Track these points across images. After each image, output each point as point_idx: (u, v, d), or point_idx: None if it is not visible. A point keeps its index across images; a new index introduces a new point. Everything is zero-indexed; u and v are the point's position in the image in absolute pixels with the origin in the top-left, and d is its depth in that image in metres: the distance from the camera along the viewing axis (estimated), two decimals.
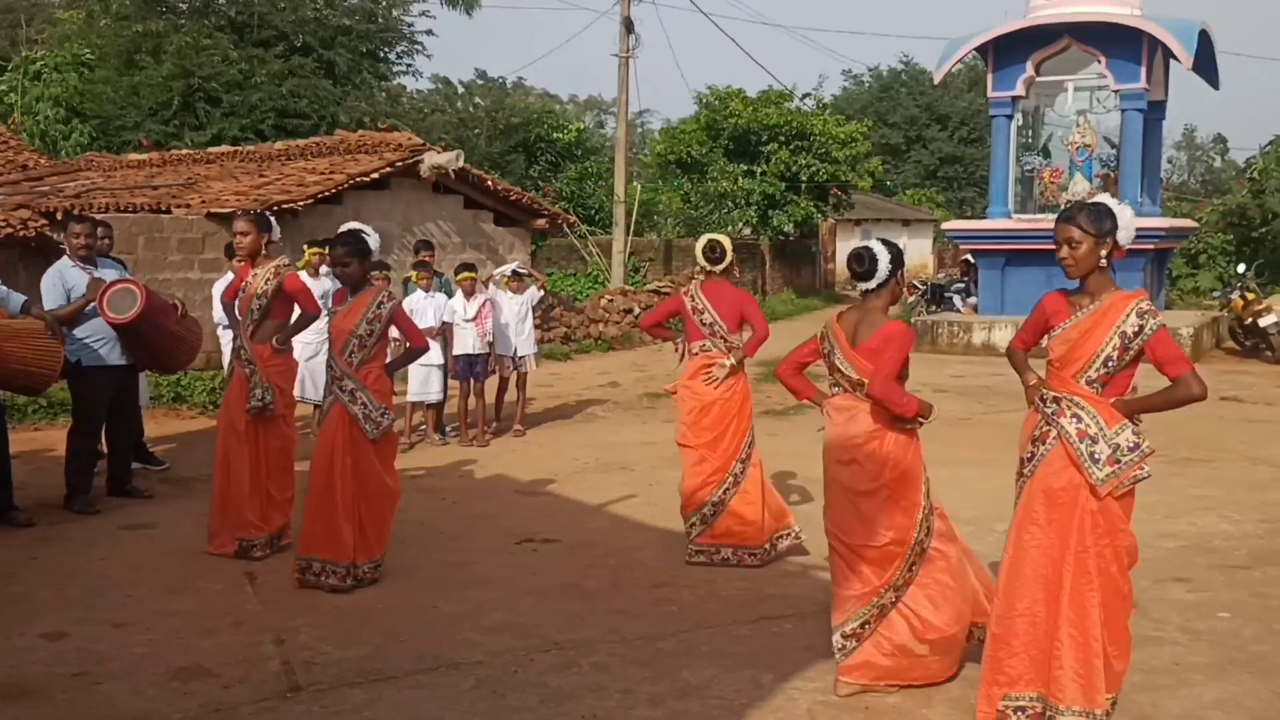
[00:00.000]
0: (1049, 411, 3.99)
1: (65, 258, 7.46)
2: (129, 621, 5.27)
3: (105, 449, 7.78)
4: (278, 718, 4.23)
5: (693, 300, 6.36)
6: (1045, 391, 4.04)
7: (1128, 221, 4.01)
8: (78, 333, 7.21)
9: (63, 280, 7.27)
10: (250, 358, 6.41)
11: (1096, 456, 3.86)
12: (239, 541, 6.33)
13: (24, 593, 5.70)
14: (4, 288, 6.96)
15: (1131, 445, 3.87)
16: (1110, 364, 3.90)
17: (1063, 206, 18.29)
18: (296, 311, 6.62)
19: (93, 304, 7.12)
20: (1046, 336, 4.10)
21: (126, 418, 7.77)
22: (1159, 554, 6.09)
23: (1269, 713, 4.25)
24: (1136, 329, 3.86)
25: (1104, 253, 3.93)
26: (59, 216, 11.34)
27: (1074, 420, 3.92)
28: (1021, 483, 4.08)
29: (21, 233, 10.59)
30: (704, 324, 6.30)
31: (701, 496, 6.22)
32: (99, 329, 7.23)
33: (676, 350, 6.64)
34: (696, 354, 6.34)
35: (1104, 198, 4.13)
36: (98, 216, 9.22)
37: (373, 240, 6.00)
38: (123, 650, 4.91)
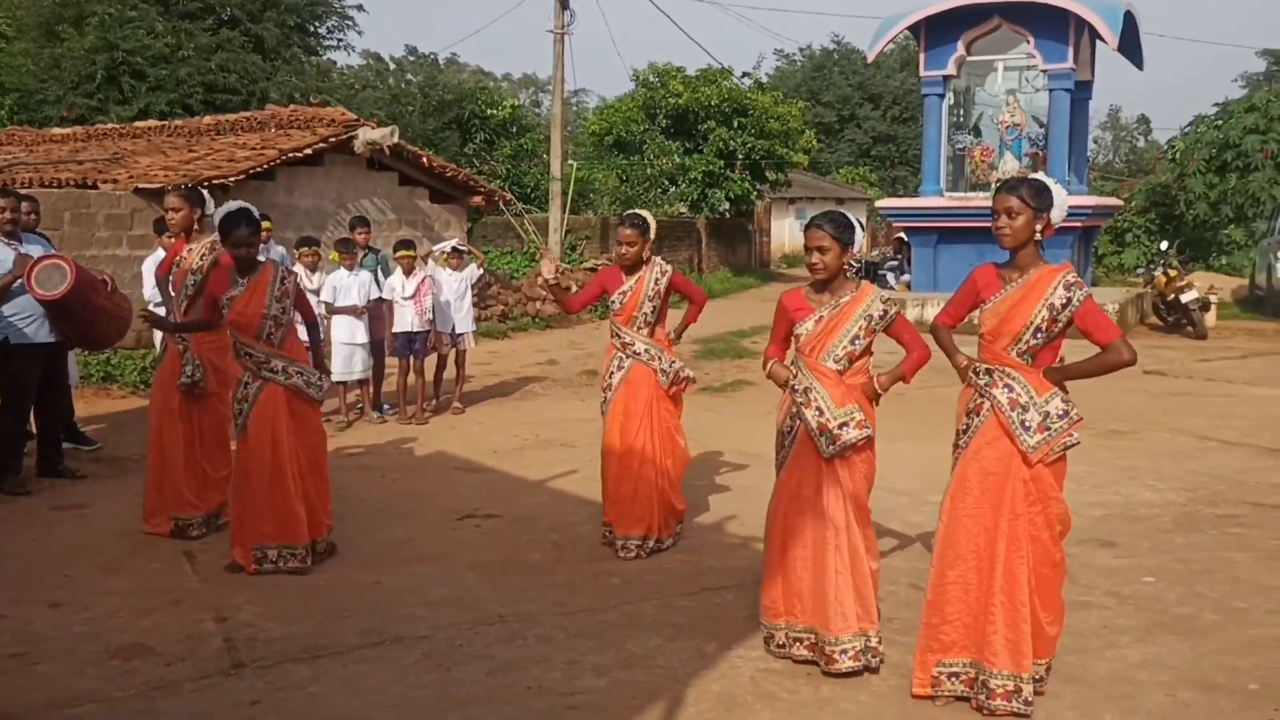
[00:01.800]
0: (982, 384, 4.09)
1: None
2: (65, 601, 5.20)
3: (34, 429, 7.62)
4: (221, 694, 4.21)
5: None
6: (978, 365, 4.14)
7: (1061, 200, 4.14)
8: (5, 310, 7.04)
9: None
10: (183, 335, 6.33)
11: (1027, 424, 3.98)
12: (175, 520, 6.27)
13: None
14: None
15: (1061, 413, 3.99)
16: (1040, 335, 4.01)
17: (993, 185, 18.59)
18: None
19: (20, 280, 6.96)
20: (977, 310, 4.20)
21: (55, 397, 7.62)
22: (1087, 522, 6.27)
23: (1193, 672, 4.42)
24: (1064, 301, 3.98)
25: (1039, 227, 4.04)
26: None
27: (1006, 390, 4.02)
28: (957, 454, 4.19)
29: None
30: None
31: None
32: (27, 306, 7.07)
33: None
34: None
35: (1039, 176, 4.24)
36: (22, 192, 8.98)
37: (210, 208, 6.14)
38: (60, 630, 4.85)
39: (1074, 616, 4.64)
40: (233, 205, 5.88)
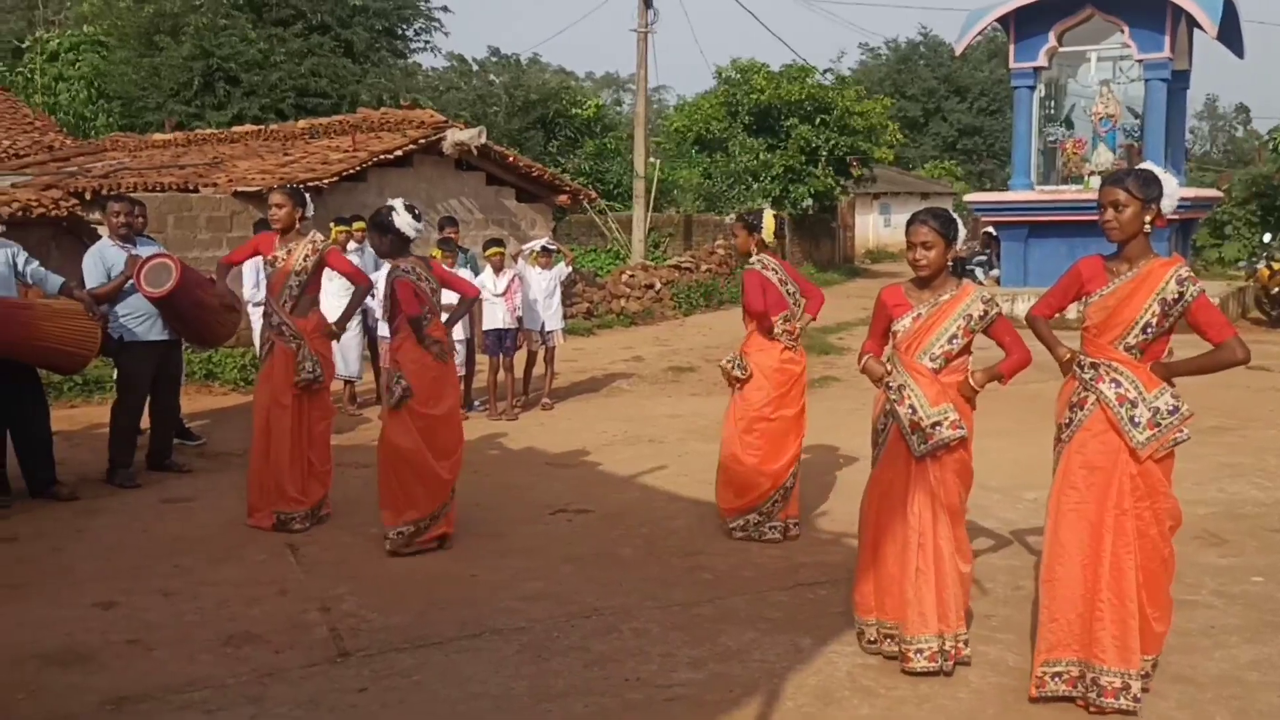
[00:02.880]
0: (1087, 377, 4.03)
1: (105, 237, 7.55)
2: (177, 590, 5.39)
3: (147, 424, 7.89)
4: (329, 681, 4.33)
5: (776, 272, 6.28)
6: (1083, 358, 4.07)
7: (1173, 190, 4.03)
8: (119, 309, 7.31)
9: (103, 259, 7.38)
10: (295, 332, 6.48)
11: (1136, 420, 3.91)
12: (277, 515, 6.42)
13: (72, 564, 5.82)
14: (43, 269, 7.05)
15: (1171, 408, 3.91)
16: (1149, 330, 3.93)
17: (1086, 177, 18.20)
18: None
19: (131, 280, 7.22)
20: (1080, 303, 4.12)
21: (168, 394, 7.87)
22: (1191, 519, 6.08)
23: None
24: (1176, 295, 3.89)
25: (1148, 218, 3.95)
26: (88, 197, 11.46)
27: (1113, 385, 3.95)
28: (1059, 449, 4.12)
29: (53, 212, 10.70)
30: (789, 294, 6.29)
31: (783, 473, 6.21)
32: (139, 305, 7.33)
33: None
34: (781, 327, 6.24)
35: (1150, 165, 4.14)
36: (129, 195, 9.31)
37: (399, 219, 5.99)
38: (173, 618, 5.03)
39: (1180, 615, 4.55)
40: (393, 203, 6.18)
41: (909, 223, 4.44)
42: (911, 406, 4.32)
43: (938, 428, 4.29)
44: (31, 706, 4.13)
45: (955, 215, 4.45)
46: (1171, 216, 4.18)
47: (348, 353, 9.85)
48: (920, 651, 4.27)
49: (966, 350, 4.44)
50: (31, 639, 4.74)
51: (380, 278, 9.60)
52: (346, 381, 10.05)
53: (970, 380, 4.39)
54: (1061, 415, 4.15)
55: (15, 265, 6.87)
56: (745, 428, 6.14)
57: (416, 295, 5.93)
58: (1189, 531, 5.83)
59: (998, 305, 4.46)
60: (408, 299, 5.93)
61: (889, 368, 4.47)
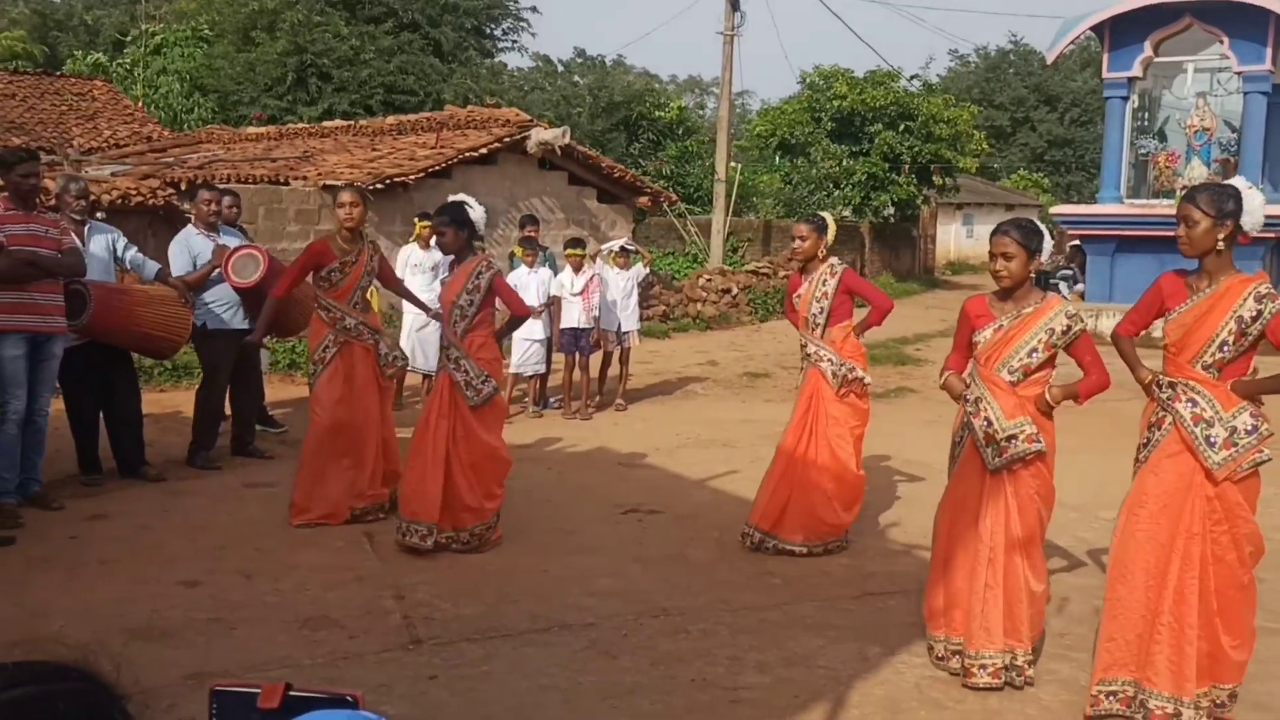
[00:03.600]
0: (1164, 397, 3.96)
1: (190, 225, 7.78)
2: (258, 573, 5.54)
3: (229, 410, 8.11)
4: (401, 667, 4.43)
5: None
6: (1161, 378, 4.01)
7: (1256, 206, 3.93)
8: (205, 297, 7.53)
9: (189, 247, 7.60)
10: (372, 328, 6.58)
11: (1212, 440, 3.83)
12: (353, 510, 6.47)
13: (159, 542, 6.02)
14: (141, 255, 7.28)
15: (1249, 428, 3.82)
16: (1226, 349, 3.86)
17: (1178, 192, 17.73)
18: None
19: (218, 269, 7.43)
20: (1162, 320, 4.06)
21: (249, 380, 8.09)
22: (1275, 546, 5.97)
23: None
24: (1255, 313, 3.81)
25: (1221, 235, 3.86)
26: (184, 187, 11.80)
27: (1189, 405, 3.88)
28: (1136, 469, 4.07)
29: (150, 201, 11.03)
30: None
31: None
32: (224, 294, 7.54)
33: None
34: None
35: (1238, 181, 4.06)
36: (224, 187, 9.58)
37: (474, 212, 6.09)
38: (254, 599, 5.17)
39: (1260, 643, 4.44)
40: (454, 197, 6.28)
41: (992, 233, 4.41)
42: (987, 419, 4.28)
43: (1013, 441, 4.24)
44: (116, 678, 4.27)
45: (1042, 227, 4.40)
46: (1264, 234, 4.09)
47: (428, 348, 10.00)
48: (984, 667, 4.24)
49: (1048, 364, 4.39)
50: (119, 613, 4.91)
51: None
52: (425, 376, 10.21)
53: (1047, 394, 4.33)
54: (1141, 434, 4.09)
55: (115, 250, 7.11)
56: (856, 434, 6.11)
57: None
58: (1274, 558, 5.68)
59: (1082, 321, 4.39)
60: (516, 299, 6.33)
61: (967, 382, 4.43)
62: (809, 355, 6.06)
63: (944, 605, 4.44)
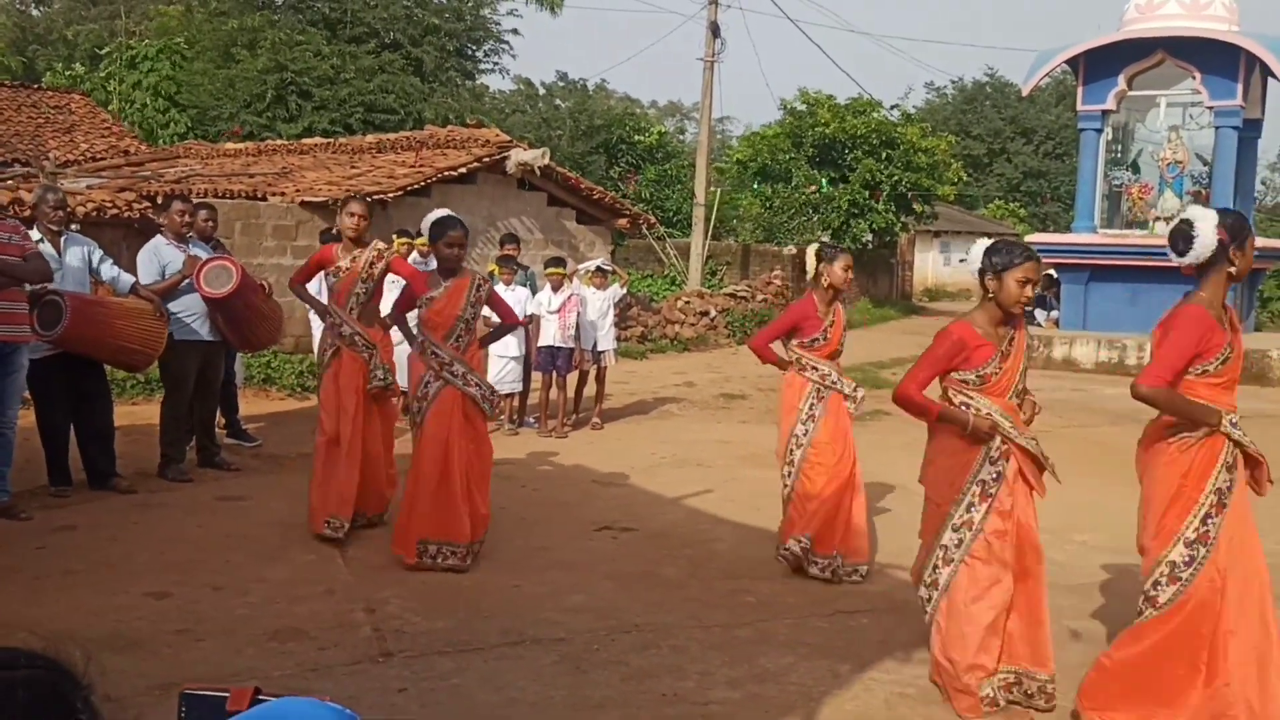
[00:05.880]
0: (1240, 435, 3.88)
1: (159, 235, 7.73)
2: (227, 585, 5.49)
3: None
4: (371, 680, 4.40)
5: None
6: (1231, 415, 3.88)
7: (1204, 244, 3.88)
8: (172, 307, 7.44)
9: (158, 256, 7.56)
10: (368, 341, 6.51)
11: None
12: (327, 521, 6.41)
13: (127, 554, 5.96)
14: (115, 268, 7.24)
15: None
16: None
17: (1151, 223, 17.94)
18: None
19: (188, 279, 7.40)
20: (1216, 359, 3.88)
21: (209, 392, 7.98)
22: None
23: None
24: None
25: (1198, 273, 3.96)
26: (159, 200, 11.75)
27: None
28: (1222, 517, 3.86)
29: (126, 214, 10.99)
30: None
31: None
32: (192, 304, 7.50)
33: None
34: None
35: (1192, 210, 4.08)
36: (202, 201, 9.55)
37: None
38: (222, 611, 5.13)
39: None
40: (442, 211, 6.21)
41: (1026, 257, 4.15)
42: (1034, 440, 4.26)
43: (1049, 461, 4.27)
44: (85, 668, 4.22)
45: None
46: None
47: (401, 364, 9.97)
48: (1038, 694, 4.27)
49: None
50: (85, 624, 4.85)
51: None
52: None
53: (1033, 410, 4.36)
54: (1213, 478, 3.87)
55: (90, 262, 7.07)
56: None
57: None
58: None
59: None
60: (510, 311, 6.48)
61: (990, 418, 4.20)
62: (831, 385, 5.97)
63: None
